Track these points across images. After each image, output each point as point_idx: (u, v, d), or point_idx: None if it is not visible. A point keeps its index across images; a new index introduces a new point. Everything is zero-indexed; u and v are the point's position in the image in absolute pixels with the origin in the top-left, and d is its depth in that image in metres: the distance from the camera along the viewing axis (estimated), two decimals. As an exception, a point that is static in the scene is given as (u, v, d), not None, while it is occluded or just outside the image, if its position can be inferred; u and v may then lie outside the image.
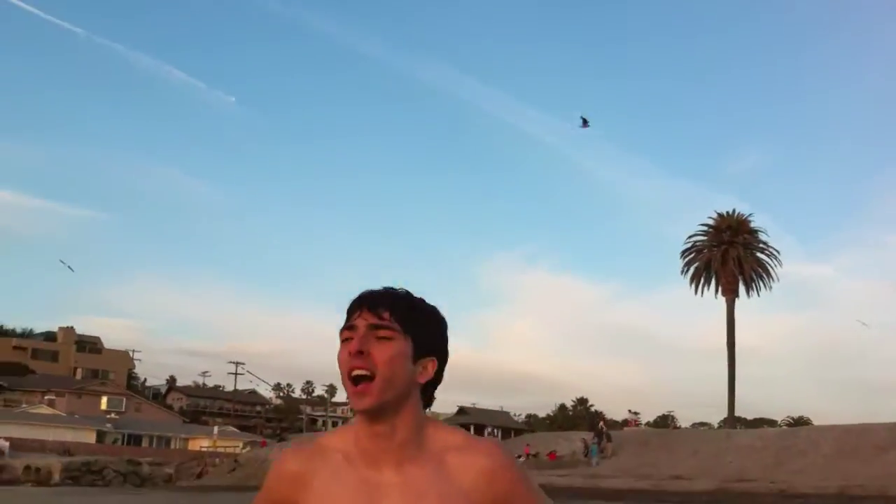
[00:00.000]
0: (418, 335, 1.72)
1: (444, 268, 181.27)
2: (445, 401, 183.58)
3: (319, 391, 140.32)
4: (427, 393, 1.78)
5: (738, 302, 59.37)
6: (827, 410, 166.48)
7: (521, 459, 53.87)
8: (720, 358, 60.02)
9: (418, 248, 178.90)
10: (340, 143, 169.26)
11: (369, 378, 1.66)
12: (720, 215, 61.63)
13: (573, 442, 55.81)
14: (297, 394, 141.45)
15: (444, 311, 1.85)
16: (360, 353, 1.66)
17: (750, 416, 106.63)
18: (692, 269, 61.54)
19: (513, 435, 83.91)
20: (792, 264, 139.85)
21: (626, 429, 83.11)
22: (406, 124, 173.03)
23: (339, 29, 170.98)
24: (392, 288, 1.77)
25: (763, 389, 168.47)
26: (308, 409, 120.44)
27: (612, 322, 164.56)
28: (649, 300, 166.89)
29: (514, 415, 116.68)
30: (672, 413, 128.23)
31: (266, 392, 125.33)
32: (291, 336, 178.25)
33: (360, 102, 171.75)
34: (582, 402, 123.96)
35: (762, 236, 61.31)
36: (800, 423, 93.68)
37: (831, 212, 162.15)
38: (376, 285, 1.79)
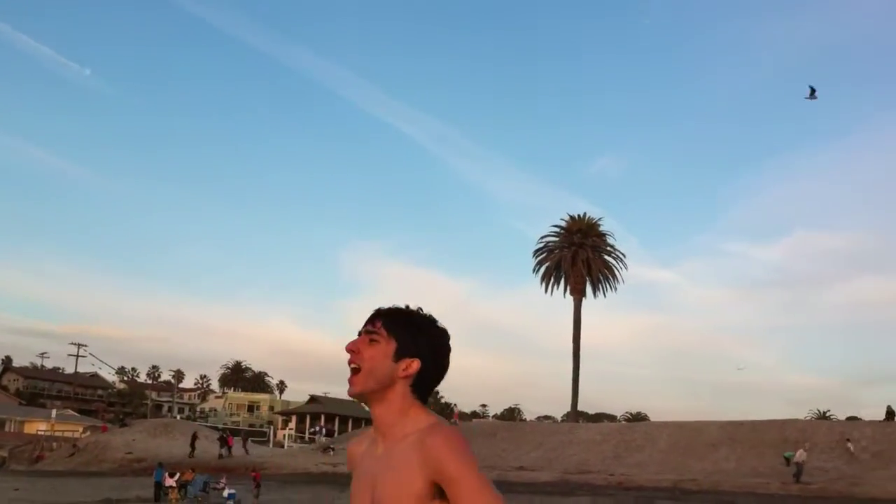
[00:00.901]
0: (401, 339, 2.19)
1: (308, 253, 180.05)
2: (298, 390, 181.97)
3: (166, 376, 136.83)
4: (420, 388, 2.22)
5: (585, 302, 61.50)
6: (664, 408, 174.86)
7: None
8: (566, 355, 62.14)
9: (283, 232, 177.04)
10: (203, 121, 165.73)
11: (358, 370, 2.18)
12: (572, 218, 63.54)
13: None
14: (143, 379, 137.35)
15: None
16: (351, 351, 2.21)
17: (592, 411, 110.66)
18: (543, 269, 63.28)
19: (363, 425, 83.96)
20: (638, 268, 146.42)
21: (474, 420, 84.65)
22: (279, 108, 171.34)
23: (199, 6, 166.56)
24: (398, 306, 2.26)
25: (605, 386, 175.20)
26: (154, 395, 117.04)
27: (468, 317, 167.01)
28: (505, 297, 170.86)
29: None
30: (518, 406, 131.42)
31: (109, 376, 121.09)
32: (139, 321, 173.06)
33: (228, 79, 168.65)
34: (433, 393, 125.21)
35: (610, 240, 63.74)
36: (638, 419, 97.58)
37: (677, 220, 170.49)
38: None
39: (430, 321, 2.27)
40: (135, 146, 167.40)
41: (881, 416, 47.42)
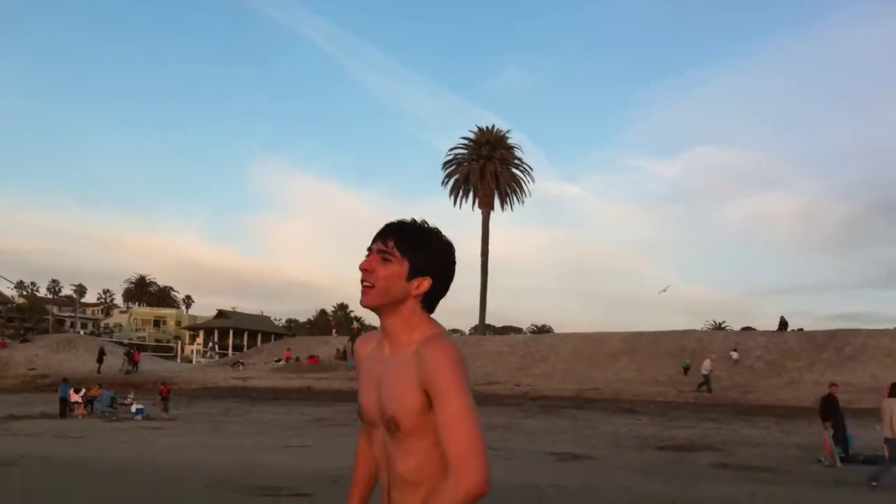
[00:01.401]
0: (414, 259, 2.31)
1: (213, 165, 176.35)
2: (206, 304, 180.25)
3: (68, 291, 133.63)
4: (428, 301, 2.37)
5: (493, 215, 62.07)
6: (568, 320, 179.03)
7: (281, 363, 54.38)
8: (475, 268, 62.88)
9: (185, 142, 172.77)
10: (104, 40, 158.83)
11: (372, 287, 2.31)
12: (480, 130, 63.50)
13: (333, 346, 56.94)
14: (43, 293, 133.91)
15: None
16: (365, 270, 2.32)
17: (499, 324, 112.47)
18: (452, 182, 63.41)
19: (273, 339, 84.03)
20: (545, 182, 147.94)
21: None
22: (180, 16, 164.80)
23: None
24: (405, 221, 2.39)
25: (512, 299, 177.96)
26: (55, 309, 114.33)
27: (375, 230, 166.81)
28: (412, 210, 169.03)
29: (275, 319, 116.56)
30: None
31: (7, 290, 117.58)
32: (38, 233, 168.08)
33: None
34: (343, 307, 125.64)
35: (518, 153, 64.09)
36: (543, 331, 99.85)
37: (583, 135, 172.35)
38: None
39: (439, 238, 2.40)
40: (37, 63, 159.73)
41: (775, 326, 49.56)
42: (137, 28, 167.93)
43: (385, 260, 2.31)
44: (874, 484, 14.59)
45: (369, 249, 2.36)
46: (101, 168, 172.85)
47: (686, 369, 40.88)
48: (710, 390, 35.76)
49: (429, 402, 2.18)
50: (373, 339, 2.52)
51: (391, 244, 2.32)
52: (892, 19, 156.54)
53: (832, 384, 21.19)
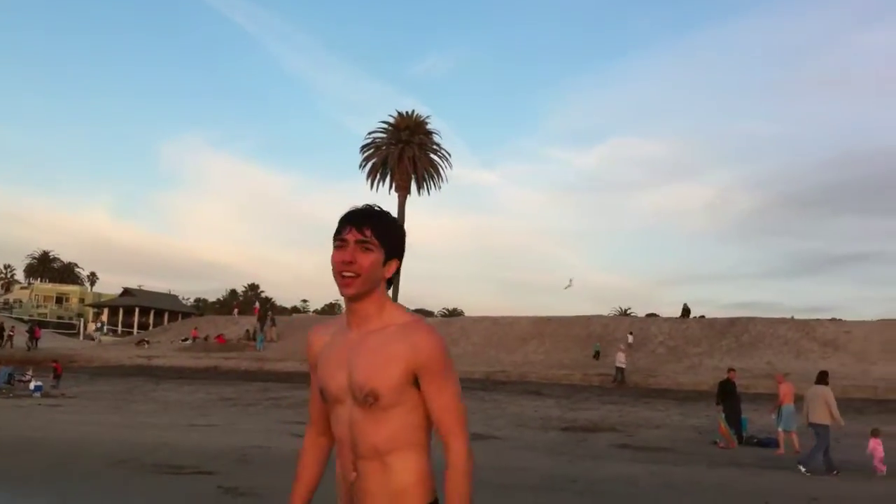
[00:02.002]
0: (388, 245, 2.52)
1: (124, 141, 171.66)
2: (112, 282, 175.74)
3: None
4: (389, 282, 2.59)
5: (409, 199, 62.01)
6: (480, 304, 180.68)
7: (188, 342, 53.49)
8: (389, 251, 62.62)
9: (95, 116, 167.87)
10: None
11: (356, 277, 2.47)
12: (400, 114, 63.31)
13: (242, 327, 56.28)
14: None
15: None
16: (350, 262, 2.47)
17: (412, 307, 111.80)
18: (370, 165, 63.15)
19: (180, 318, 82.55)
20: (462, 168, 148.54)
21: (294, 315, 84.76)
22: None
23: None
24: (371, 207, 2.57)
25: (425, 283, 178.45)
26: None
27: (291, 212, 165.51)
28: (329, 193, 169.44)
29: (183, 299, 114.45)
30: (339, 301, 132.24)
31: None
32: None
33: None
34: (253, 287, 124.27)
35: (437, 138, 63.99)
36: (455, 314, 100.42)
37: (501, 123, 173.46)
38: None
39: (397, 221, 2.63)
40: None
41: (678, 313, 50.88)
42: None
43: (366, 249, 2.48)
44: (803, 469, 14.97)
45: (343, 240, 2.50)
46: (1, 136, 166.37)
47: (597, 354, 41.59)
48: (623, 381, 35.43)
49: (410, 378, 2.45)
50: (327, 328, 2.71)
51: (369, 233, 2.49)
52: (802, 13, 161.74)
53: (730, 370, 21.97)
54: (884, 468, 14.93)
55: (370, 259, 2.48)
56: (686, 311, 50.49)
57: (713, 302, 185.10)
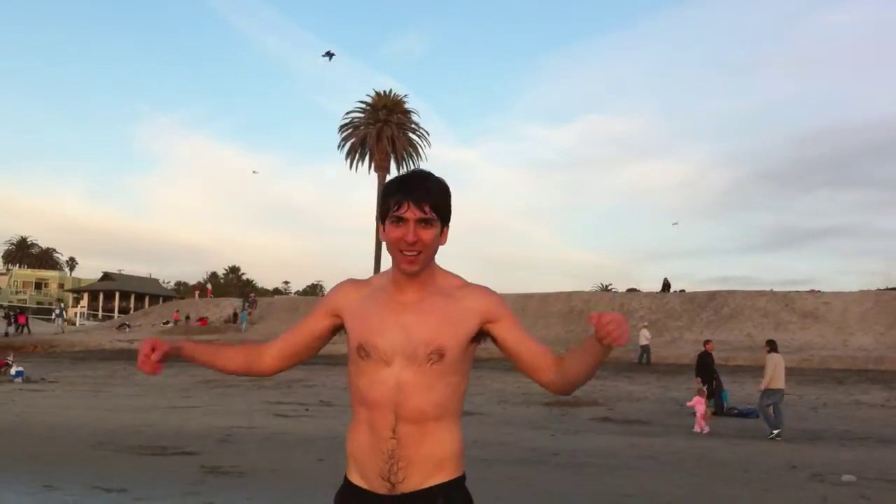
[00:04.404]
0: (445, 217, 2.49)
1: (97, 124, 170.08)
2: (90, 267, 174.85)
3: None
4: None
5: (388, 179, 61.94)
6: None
7: (170, 325, 53.36)
8: (370, 232, 62.72)
9: (64, 97, 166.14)
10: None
11: (419, 254, 2.44)
12: (378, 94, 63.14)
13: (223, 309, 56.20)
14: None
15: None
16: (414, 242, 2.41)
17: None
18: (348, 145, 62.96)
19: (161, 301, 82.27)
20: (441, 147, 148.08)
21: (276, 297, 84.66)
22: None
23: None
24: (424, 177, 2.49)
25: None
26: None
27: (270, 193, 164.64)
28: (306, 174, 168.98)
29: (164, 282, 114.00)
30: (321, 283, 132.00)
31: None
32: None
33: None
34: (234, 270, 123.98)
35: (415, 118, 63.92)
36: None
37: (480, 101, 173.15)
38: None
39: (448, 185, 2.56)
40: None
41: (658, 288, 51.15)
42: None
43: (427, 225, 2.44)
44: (773, 434, 15.75)
45: (401, 218, 2.42)
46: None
47: None
48: (649, 362, 33.06)
49: (474, 335, 2.51)
50: (363, 286, 2.65)
51: (429, 209, 2.43)
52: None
53: (707, 342, 22.10)
54: (707, 429, 16.64)
55: (431, 234, 2.45)
56: (666, 285, 50.73)
57: (690, 277, 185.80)
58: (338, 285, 2.70)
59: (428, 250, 2.45)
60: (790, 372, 19.26)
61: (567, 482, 10.35)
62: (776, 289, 44.67)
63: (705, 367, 20.54)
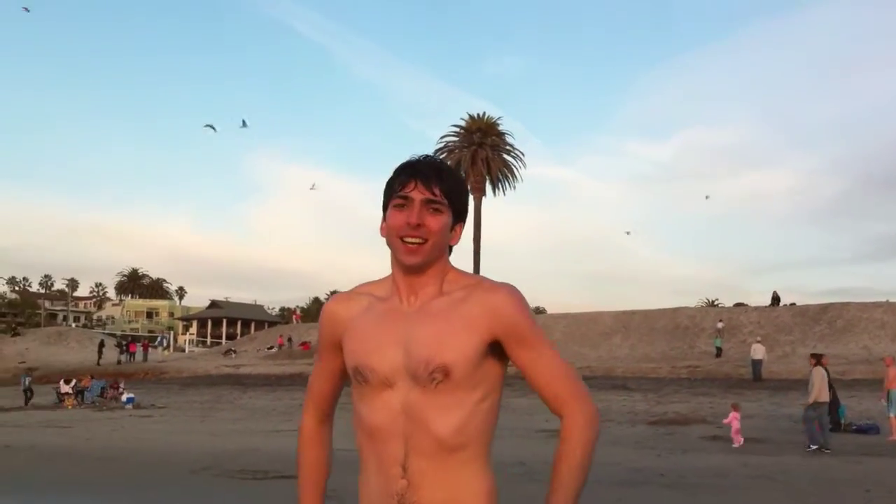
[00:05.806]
0: (456, 206, 2.09)
1: (202, 155, 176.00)
2: (198, 295, 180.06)
3: (60, 285, 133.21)
4: (450, 249, 2.16)
5: (484, 200, 61.88)
6: (560, 301, 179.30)
7: (274, 350, 54.28)
8: (467, 253, 62.87)
9: (173, 132, 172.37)
10: (91, 32, 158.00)
11: (424, 243, 2.03)
12: (471, 117, 63.30)
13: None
14: (35, 288, 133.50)
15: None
16: (418, 225, 2.02)
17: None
18: (444, 168, 63.29)
19: (266, 327, 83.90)
20: (538, 166, 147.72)
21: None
22: (179, 19, 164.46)
23: None
24: (434, 160, 2.11)
25: (505, 281, 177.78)
26: (47, 304, 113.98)
27: (372, 219, 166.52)
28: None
29: (269, 308, 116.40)
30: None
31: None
32: (29, 230, 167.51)
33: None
34: (334, 294, 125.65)
35: (509, 139, 63.81)
36: (536, 312, 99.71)
37: (576, 120, 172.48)
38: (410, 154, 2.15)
39: (462, 176, 2.21)
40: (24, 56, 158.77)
41: (767, 302, 49.54)
42: (123, 20, 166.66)
43: (435, 210, 2.04)
44: (814, 448, 15.47)
45: (406, 198, 2.04)
46: (92, 163, 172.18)
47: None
48: (760, 378, 31.71)
49: (487, 349, 2.03)
50: (355, 298, 2.20)
51: (439, 191, 2.04)
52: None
53: (820, 356, 21.02)
54: (741, 440, 16.26)
55: (440, 222, 2.03)
56: (776, 298, 49.14)
57: (801, 289, 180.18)
58: (323, 312, 2.25)
59: (434, 239, 2.02)
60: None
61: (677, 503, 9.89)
62: (892, 299, 42.71)
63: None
